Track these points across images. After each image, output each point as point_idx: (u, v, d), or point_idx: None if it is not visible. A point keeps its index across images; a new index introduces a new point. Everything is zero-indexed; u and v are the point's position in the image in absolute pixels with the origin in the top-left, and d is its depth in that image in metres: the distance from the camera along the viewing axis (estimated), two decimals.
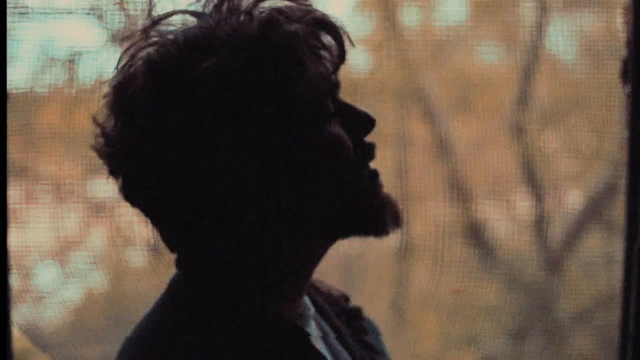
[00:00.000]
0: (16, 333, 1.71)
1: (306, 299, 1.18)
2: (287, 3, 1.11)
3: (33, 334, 1.82)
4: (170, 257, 1.16)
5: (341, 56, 1.13)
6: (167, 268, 1.50)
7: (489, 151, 1.87)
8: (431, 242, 1.84)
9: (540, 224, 1.90)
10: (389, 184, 1.72)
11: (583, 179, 1.91)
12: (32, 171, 1.77)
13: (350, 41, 1.14)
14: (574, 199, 1.92)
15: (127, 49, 1.11)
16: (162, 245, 1.14)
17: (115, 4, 1.70)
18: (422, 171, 1.82)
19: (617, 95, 1.76)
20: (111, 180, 1.11)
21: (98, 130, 1.10)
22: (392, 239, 1.85)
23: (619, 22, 1.76)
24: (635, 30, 1.70)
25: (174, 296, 1.13)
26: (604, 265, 1.88)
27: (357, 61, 1.84)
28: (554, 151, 1.86)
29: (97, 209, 1.81)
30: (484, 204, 1.89)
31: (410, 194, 1.82)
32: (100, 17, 1.72)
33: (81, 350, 1.85)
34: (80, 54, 1.73)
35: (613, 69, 1.76)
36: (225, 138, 1.05)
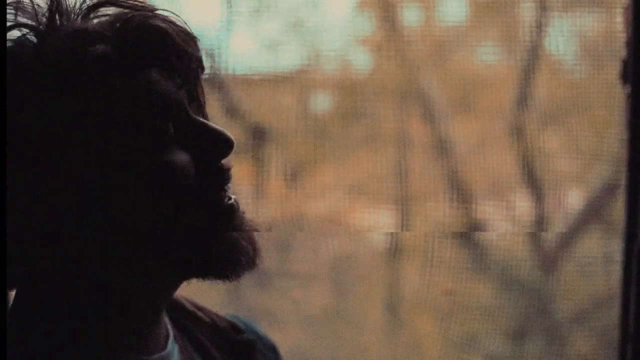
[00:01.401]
0: None
1: (169, 335, 1.07)
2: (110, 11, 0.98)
3: None
4: None
5: (194, 64, 0.99)
6: None
7: (489, 151, 1.87)
8: (430, 242, 1.84)
9: (539, 224, 1.90)
10: (388, 184, 1.72)
11: (583, 179, 1.91)
12: None
13: (190, 39, 0.98)
14: (573, 200, 1.92)
15: None
16: None
17: None
18: (422, 171, 1.82)
19: (617, 95, 1.76)
20: None
21: None
22: (391, 240, 1.85)
23: (619, 23, 1.76)
24: (635, 30, 1.70)
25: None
26: (603, 265, 1.88)
27: (357, 62, 1.84)
28: (554, 151, 1.86)
29: None
30: (484, 205, 1.88)
31: (410, 194, 1.82)
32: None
33: None
34: None
35: (613, 70, 1.75)
36: (48, 170, 0.93)
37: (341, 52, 1.83)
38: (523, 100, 1.85)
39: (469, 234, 1.89)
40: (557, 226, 1.91)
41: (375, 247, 1.91)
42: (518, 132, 1.85)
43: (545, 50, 1.85)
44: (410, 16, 1.85)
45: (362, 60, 1.86)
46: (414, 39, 1.83)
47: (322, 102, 1.90)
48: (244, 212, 1.00)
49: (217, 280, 1.00)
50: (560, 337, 1.91)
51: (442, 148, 1.86)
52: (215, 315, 1.18)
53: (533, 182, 1.89)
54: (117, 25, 0.96)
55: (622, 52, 1.74)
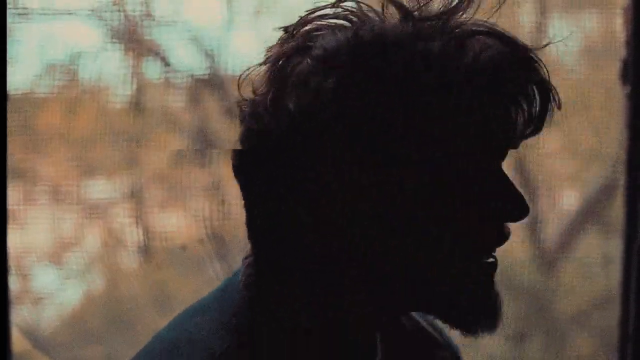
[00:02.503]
0: (16, 334, 1.71)
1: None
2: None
3: (33, 335, 1.82)
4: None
5: (538, 117, 0.94)
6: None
7: None
8: None
9: (537, 224, 1.90)
10: None
11: (582, 179, 1.91)
12: (31, 172, 1.76)
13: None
14: (572, 200, 1.92)
15: (318, 14, 0.93)
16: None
17: (114, 4, 1.70)
18: None
19: (617, 95, 1.76)
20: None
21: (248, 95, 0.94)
22: None
23: (619, 23, 1.77)
24: (635, 30, 1.70)
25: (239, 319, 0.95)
26: (602, 266, 1.88)
27: None
28: (553, 151, 1.86)
29: (96, 210, 1.81)
30: None
31: None
32: (100, 17, 1.72)
33: (81, 351, 1.85)
34: (80, 55, 1.73)
35: (613, 70, 1.76)
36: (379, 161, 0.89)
37: None
38: None
39: None
40: (556, 226, 1.91)
41: None
42: None
43: (544, 51, 1.84)
44: None
45: None
46: None
47: None
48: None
49: (458, 330, 0.95)
50: (560, 338, 1.91)
51: None
52: (415, 321, 1.12)
53: (531, 183, 1.89)
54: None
55: (621, 52, 1.74)
